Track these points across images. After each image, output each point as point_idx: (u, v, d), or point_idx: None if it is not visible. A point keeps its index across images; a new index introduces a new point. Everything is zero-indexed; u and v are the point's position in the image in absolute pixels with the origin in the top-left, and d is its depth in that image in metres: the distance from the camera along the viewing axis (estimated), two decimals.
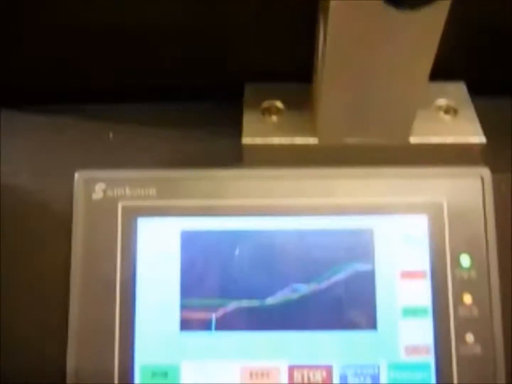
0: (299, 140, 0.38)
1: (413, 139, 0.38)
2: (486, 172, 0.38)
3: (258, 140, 0.38)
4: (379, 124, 0.37)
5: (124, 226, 0.37)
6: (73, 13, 0.36)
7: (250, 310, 0.37)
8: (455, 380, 0.36)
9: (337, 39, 0.31)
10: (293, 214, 0.37)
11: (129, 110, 0.43)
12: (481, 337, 0.36)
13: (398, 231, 0.37)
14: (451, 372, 0.36)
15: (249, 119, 0.39)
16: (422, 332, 0.36)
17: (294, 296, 0.37)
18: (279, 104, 0.40)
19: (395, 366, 0.36)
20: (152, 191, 0.38)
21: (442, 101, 0.40)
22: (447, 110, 0.39)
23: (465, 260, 0.37)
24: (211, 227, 0.37)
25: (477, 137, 0.38)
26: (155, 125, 0.42)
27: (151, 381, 0.36)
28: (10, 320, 0.37)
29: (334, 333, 0.36)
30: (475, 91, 0.41)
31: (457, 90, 0.41)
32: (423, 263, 0.37)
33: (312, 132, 0.38)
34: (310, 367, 0.36)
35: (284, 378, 0.36)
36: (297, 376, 0.36)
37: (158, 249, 0.37)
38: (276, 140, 0.38)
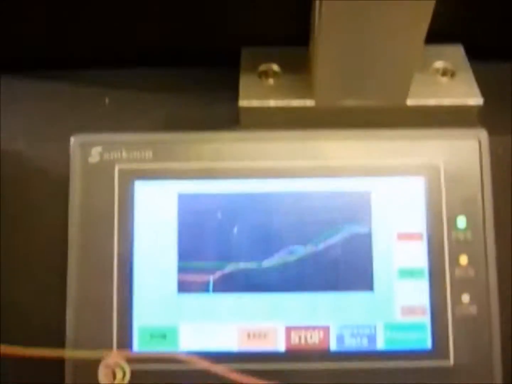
0: (296, 103, 0.38)
1: (410, 101, 0.38)
2: (483, 133, 0.38)
3: (255, 103, 0.38)
4: (376, 86, 0.37)
5: (121, 189, 0.37)
6: None
7: (247, 272, 0.37)
8: (451, 340, 0.36)
9: (333, 1, 0.31)
10: (290, 176, 0.37)
11: (125, 75, 0.42)
12: (477, 298, 0.36)
13: (395, 193, 0.37)
14: (447, 332, 0.36)
15: (246, 83, 0.39)
16: (418, 293, 0.37)
17: (291, 258, 0.37)
18: (275, 67, 0.39)
19: (391, 327, 0.37)
20: (149, 154, 0.38)
21: (439, 64, 0.39)
22: (444, 73, 0.39)
23: (461, 222, 0.37)
24: (208, 189, 0.37)
25: (475, 99, 0.38)
26: (152, 90, 0.42)
27: (150, 343, 0.37)
28: (10, 284, 0.37)
29: (331, 294, 0.37)
30: (473, 55, 0.41)
31: (455, 53, 0.40)
32: (420, 224, 0.37)
33: (309, 95, 0.38)
34: (307, 328, 0.37)
35: (281, 339, 0.37)
36: (294, 337, 0.37)
37: (155, 212, 0.37)
38: (273, 102, 0.38)
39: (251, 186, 0.37)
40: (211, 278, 0.37)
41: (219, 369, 0.32)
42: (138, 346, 0.37)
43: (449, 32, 0.40)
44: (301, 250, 0.37)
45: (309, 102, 0.38)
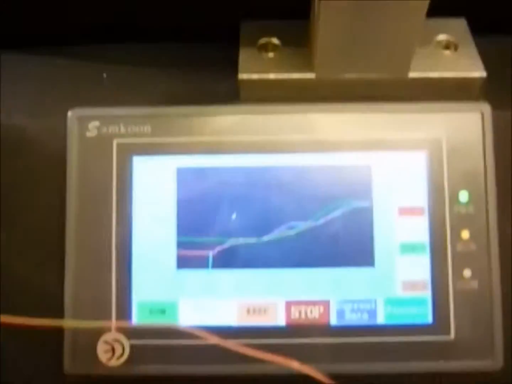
0: (296, 76, 0.37)
1: (412, 74, 0.37)
2: (486, 107, 0.37)
3: (255, 76, 0.37)
4: (377, 59, 0.36)
5: (119, 164, 0.37)
6: None
7: (247, 248, 0.37)
8: (452, 315, 0.36)
9: None
10: (290, 150, 0.37)
11: (123, 51, 0.42)
12: (479, 273, 0.36)
13: (396, 167, 0.37)
14: (448, 307, 0.36)
15: (246, 56, 0.38)
16: (420, 268, 0.36)
17: (291, 233, 0.37)
18: (275, 40, 0.39)
19: (392, 302, 0.36)
20: (147, 129, 0.37)
21: (442, 37, 0.39)
22: (447, 46, 0.38)
23: (463, 196, 0.37)
24: (208, 164, 0.37)
25: (478, 72, 0.37)
26: (150, 65, 0.41)
27: (149, 318, 0.36)
28: (8, 257, 0.37)
29: (331, 269, 0.36)
30: (476, 30, 0.41)
31: (458, 26, 0.40)
32: (421, 199, 0.37)
33: (309, 68, 0.37)
34: (307, 303, 0.36)
35: (281, 314, 0.36)
36: (294, 311, 0.36)
37: (154, 187, 0.37)
38: (273, 75, 0.37)
39: (250, 160, 0.37)
40: (211, 254, 0.37)
41: (230, 344, 0.32)
42: (137, 321, 0.36)
43: (453, 6, 0.39)
44: (301, 225, 0.37)
45: (310, 75, 0.37)
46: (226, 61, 0.39)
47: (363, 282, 0.36)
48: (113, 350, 0.36)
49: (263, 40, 0.39)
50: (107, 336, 0.36)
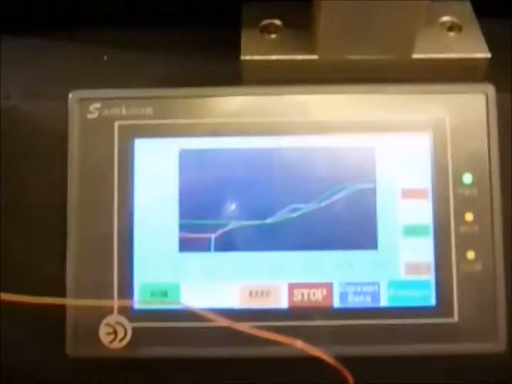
0: (298, 57, 0.37)
1: (416, 56, 0.37)
2: (490, 88, 0.37)
3: (257, 57, 0.37)
4: (381, 40, 0.36)
5: (121, 146, 0.37)
6: None
7: (249, 230, 0.36)
8: (455, 298, 0.36)
9: None
10: (293, 132, 0.37)
11: (124, 33, 0.42)
12: (482, 255, 0.36)
13: (400, 149, 0.37)
14: (451, 289, 0.36)
15: (248, 38, 0.38)
16: (423, 251, 0.36)
17: (294, 215, 0.36)
18: (277, 22, 0.38)
19: (395, 284, 0.36)
20: (149, 110, 0.37)
21: (446, 18, 0.38)
22: (451, 27, 0.38)
23: (467, 178, 0.36)
24: (210, 146, 0.37)
25: (482, 53, 0.37)
26: (152, 47, 0.41)
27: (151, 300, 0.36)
28: (9, 237, 0.37)
29: (334, 252, 0.36)
30: (481, 12, 0.40)
31: (462, 8, 0.39)
32: (425, 181, 0.36)
33: (312, 50, 0.37)
34: (310, 285, 0.36)
35: (284, 296, 0.36)
36: (297, 294, 0.36)
37: (156, 169, 0.37)
38: (275, 56, 0.37)
39: (253, 142, 0.37)
40: (213, 237, 0.36)
41: (242, 326, 0.32)
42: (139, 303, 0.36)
43: None
44: (304, 208, 0.36)
45: (312, 57, 0.37)
46: (228, 44, 0.39)
47: (366, 264, 0.36)
48: (115, 332, 0.36)
49: (265, 22, 0.39)
50: (109, 319, 0.36)
